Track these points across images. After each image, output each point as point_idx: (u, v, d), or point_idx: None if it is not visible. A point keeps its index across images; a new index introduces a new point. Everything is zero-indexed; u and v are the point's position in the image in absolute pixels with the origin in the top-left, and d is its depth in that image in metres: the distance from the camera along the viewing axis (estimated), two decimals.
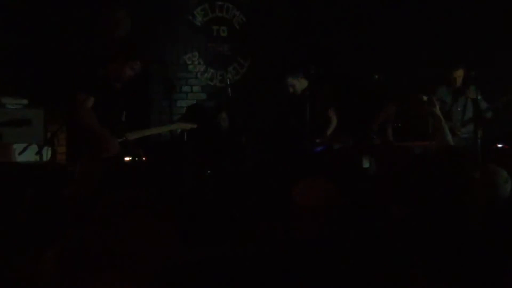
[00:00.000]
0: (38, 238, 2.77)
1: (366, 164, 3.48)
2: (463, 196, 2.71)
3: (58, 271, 2.44)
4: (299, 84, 4.26)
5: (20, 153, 3.64)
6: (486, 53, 4.49)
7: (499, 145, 4.37)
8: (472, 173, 2.69)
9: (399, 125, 4.31)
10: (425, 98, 3.40)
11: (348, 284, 2.32)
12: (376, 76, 4.08)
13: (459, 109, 4.32)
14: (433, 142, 3.57)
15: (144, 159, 3.41)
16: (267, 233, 2.74)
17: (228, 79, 4.71)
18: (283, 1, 4.77)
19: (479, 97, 4.11)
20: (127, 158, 3.29)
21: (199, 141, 3.71)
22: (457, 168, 2.80)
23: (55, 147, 3.52)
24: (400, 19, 4.71)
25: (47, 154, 3.62)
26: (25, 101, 3.77)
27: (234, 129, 4.01)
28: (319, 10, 4.67)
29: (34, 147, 3.62)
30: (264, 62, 4.68)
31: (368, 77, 4.18)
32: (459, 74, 4.29)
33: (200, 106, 4.46)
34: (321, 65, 4.12)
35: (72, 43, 3.82)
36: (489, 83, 4.27)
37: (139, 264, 2.44)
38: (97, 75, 3.19)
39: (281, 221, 2.64)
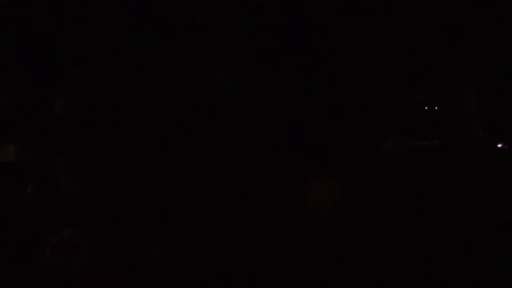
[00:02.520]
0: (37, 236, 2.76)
1: None
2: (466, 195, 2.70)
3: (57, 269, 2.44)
4: None
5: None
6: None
7: (499, 145, 4.38)
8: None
9: (401, 125, 4.30)
10: None
11: (354, 283, 2.32)
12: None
13: None
14: (435, 141, 3.57)
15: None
16: (272, 233, 2.73)
17: None
18: None
19: None
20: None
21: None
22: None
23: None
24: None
25: None
26: None
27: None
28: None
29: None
30: None
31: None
32: None
33: None
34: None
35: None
36: None
37: (140, 267, 2.44)
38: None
39: (287, 221, 2.64)
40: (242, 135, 3.90)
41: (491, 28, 4.50)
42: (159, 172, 3.46)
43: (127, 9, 3.83)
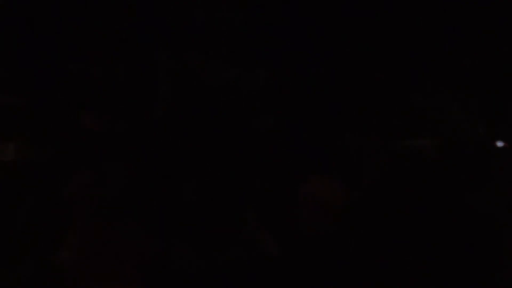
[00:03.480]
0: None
1: None
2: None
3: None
4: None
5: None
6: None
7: (499, 144, 4.37)
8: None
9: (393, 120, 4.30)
10: None
11: (354, 283, 2.33)
12: None
13: None
14: (435, 139, 3.57)
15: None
16: (272, 233, 2.73)
17: None
18: None
19: None
20: None
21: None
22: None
23: None
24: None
25: None
26: None
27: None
28: None
29: None
30: None
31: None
32: None
33: None
34: None
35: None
36: None
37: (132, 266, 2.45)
38: None
39: (287, 221, 2.64)
40: (242, 135, 3.90)
41: (491, 27, 4.49)
42: (159, 172, 3.46)
43: (127, 9, 3.83)
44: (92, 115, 3.31)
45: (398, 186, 3.02)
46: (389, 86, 4.39)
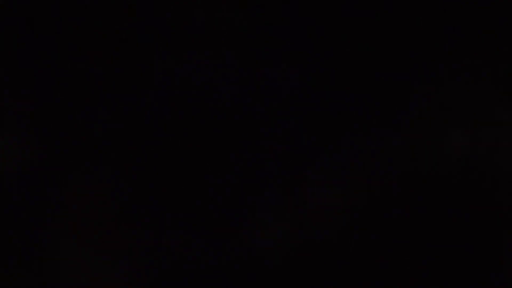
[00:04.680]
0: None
1: None
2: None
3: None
4: None
5: None
6: None
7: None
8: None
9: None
10: None
11: (356, 282, 2.33)
12: None
13: None
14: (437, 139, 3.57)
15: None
16: (272, 233, 2.74)
17: None
18: None
19: None
20: None
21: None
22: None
23: None
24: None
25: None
26: None
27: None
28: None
29: None
30: None
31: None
32: None
33: None
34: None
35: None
36: None
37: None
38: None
39: (286, 221, 2.65)
40: (242, 135, 3.92)
41: (491, 27, 4.51)
42: (159, 171, 3.47)
43: (127, 8, 3.84)
44: (92, 115, 3.32)
45: (398, 185, 3.03)
46: (389, 86, 4.41)
